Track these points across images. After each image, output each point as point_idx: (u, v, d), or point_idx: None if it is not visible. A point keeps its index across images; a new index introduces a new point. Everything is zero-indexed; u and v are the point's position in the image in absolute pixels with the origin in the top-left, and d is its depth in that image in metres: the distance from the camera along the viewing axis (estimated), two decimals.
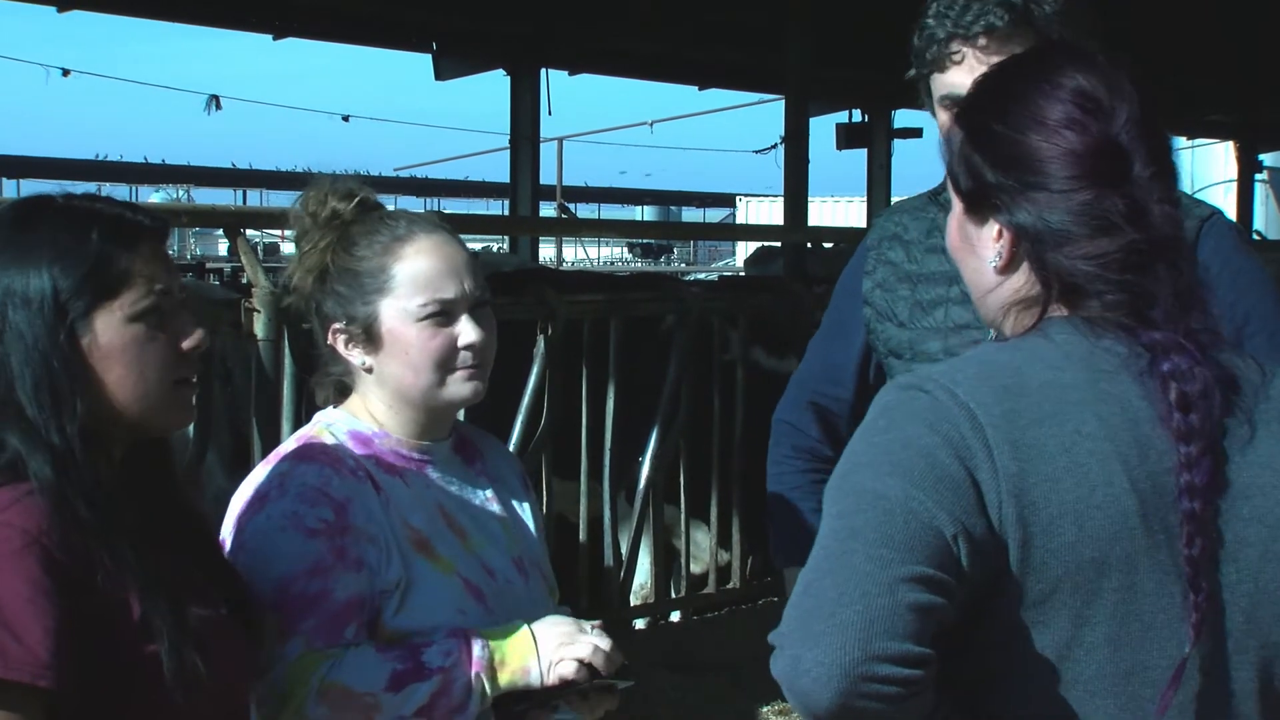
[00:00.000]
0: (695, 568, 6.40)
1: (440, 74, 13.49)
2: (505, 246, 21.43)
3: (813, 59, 10.31)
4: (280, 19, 12.71)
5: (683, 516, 6.05)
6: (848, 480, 1.69)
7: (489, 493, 2.47)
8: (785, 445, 2.84)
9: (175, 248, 35.83)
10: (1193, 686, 1.67)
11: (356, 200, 2.39)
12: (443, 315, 2.32)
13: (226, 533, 2.30)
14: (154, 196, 32.63)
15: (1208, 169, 22.57)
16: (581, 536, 5.65)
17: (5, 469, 1.87)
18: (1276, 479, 1.71)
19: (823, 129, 14.63)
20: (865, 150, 15.71)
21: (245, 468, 2.49)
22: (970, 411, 1.65)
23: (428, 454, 2.39)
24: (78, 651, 1.80)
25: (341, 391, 2.43)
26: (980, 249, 1.80)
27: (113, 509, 1.89)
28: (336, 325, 2.36)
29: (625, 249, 42.94)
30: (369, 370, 2.36)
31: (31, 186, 26.56)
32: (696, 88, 17.56)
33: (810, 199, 11.29)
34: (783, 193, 10.80)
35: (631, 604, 5.95)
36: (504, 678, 2.24)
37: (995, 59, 2.44)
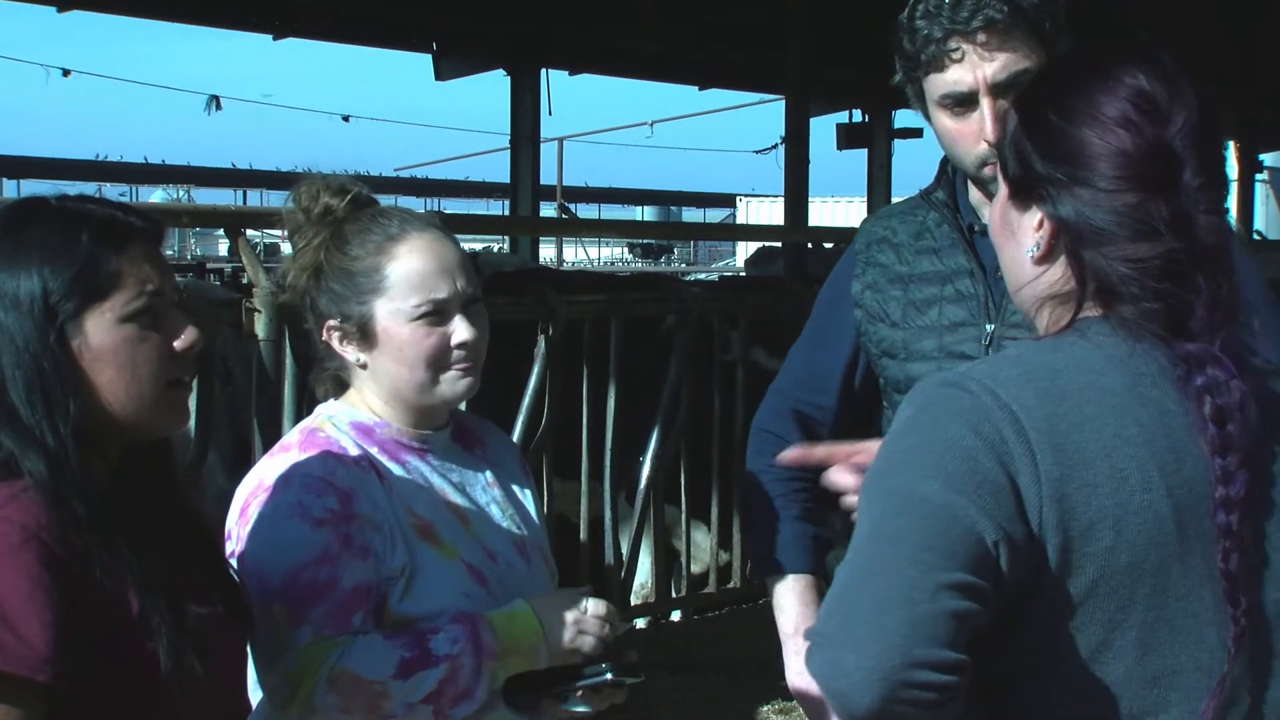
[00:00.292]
0: (695, 567, 6.41)
1: (440, 74, 13.50)
2: (505, 247, 21.44)
3: (813, 59, 10.32)
4: (280, 19, 12.71)
5: (683, 516, 6.05)
6: (887, 480, 1.67)
7: (489, 477, 2.50)
8: (766, 455, 2.78)
9: (176, 248, 35.87)
10: (1228, 701, 1.67)
11: (349, 197, 2.40)
12: (436, 314, 2.34)
13: (232, 524, 2.32)
14: (154, 196, 32.66)
15: None
16: (582, 536, 5.65)
17: (0, 467, 1.87)
18: None
19: (823, 129, 14.67)
20: (866, 150, 15.72)
21: (246, 468, 2.50)
22: (1013, 414, 1.64)
23: (427, 442, 2.42)
24: (76, 647, 1.80)
25: (339, 385, 2.46)
26: (1020, 236, 1.78)
27: (108, 508, 1.90)
28: (331, 322, 2.38)
29: (625, 249, 42.94)
30: (364, 367, 2.39)
31: (32, 187, 26.58)
32: (697, 88, 17.57)
33: (810, 199, 11.29)
34: (783, 193, 10.81)
35: (632, 604, 5.95)
36: (511, 664, 2.29)
37: (996, 54, 2.43)
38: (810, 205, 11.52)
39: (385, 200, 2.65)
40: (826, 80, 12.72)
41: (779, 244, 11.23)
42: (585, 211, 36.06)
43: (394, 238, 2.35)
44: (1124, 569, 1.63)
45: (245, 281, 5.00)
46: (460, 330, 2.35)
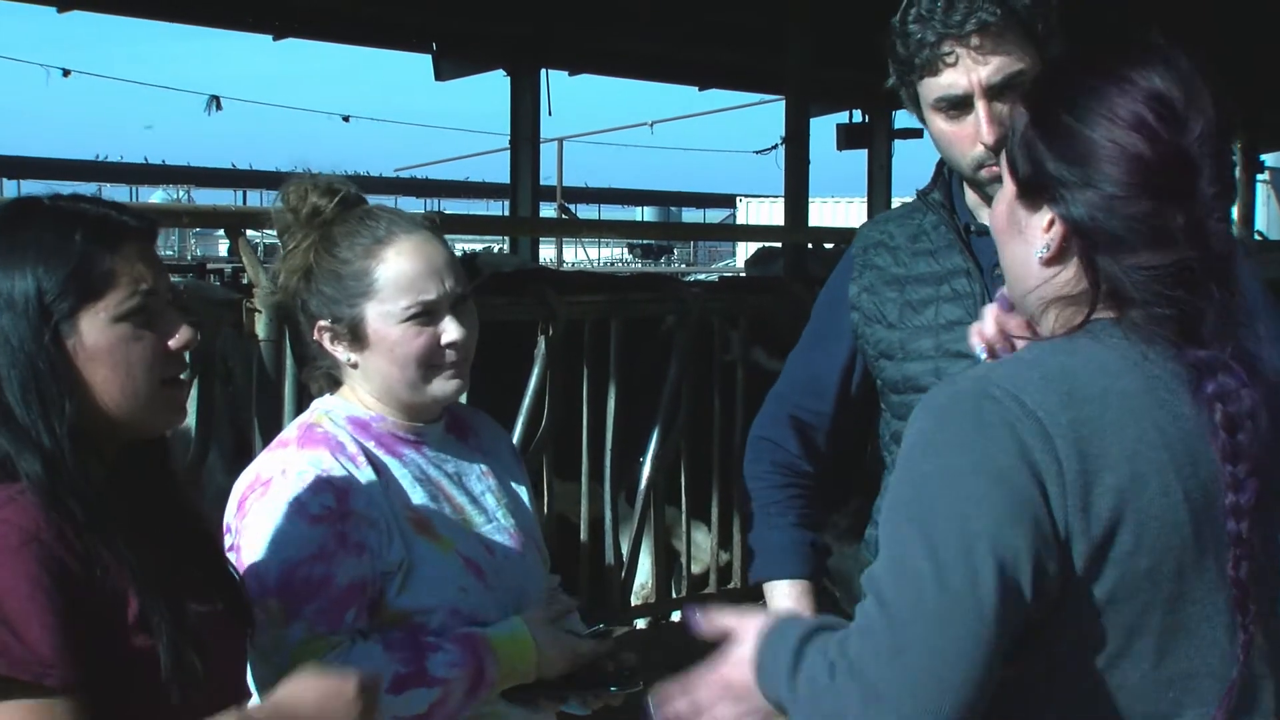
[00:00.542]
0: (696, 568, 6.41)
1: (440, 74, 13.50)
2: (505, 247, 21.45)
3: (813, 59, 10.31)
4: (280, 19, 12.71)
5: (683, 517, 6.05)
6: (925, 505, 1.62)
7: (484, 468, 2.53)
8: (764, 461, 2.79)
9: (176, 248, 35.87)
10: (1238, 707, 1.67)
11: (338, 198, 2.42)
12: (425, 315, 2.37)
13: (230, 519, 2.34)
14: (154, 197, 32.66)
15: None
16: (582, 537, 5.65)
17: None
18: None
19: (823, 129, 14.66)
20: (866, 151, 15.71)
21: (246, 468, 2.51)
22: (1039, 421, 1.61)
23: (422, 435, 2.46)
24: (78, 647, 1.81)
25: (333, 383, 2.49)
26: (1029, 235, 1.75)
27: (105, 508, 1.90)
28: (323, 323, 2.42)
29: (625, 250, 42.94)
30: (355, 366, 2.42)
31: (32, 187, 26.55)
32: (697, 88, 17.56)
33: (811, 199, 11.29)
34: (783, 193, 10.80)
35: (632, 604, 5.95)
36: (503, 686, 2.35)
37: (990, 57, 2.43)
38: (810, 206, 11.52)
39: (386, 201, 2.66)
40: (826, 80, 12.71)
41: (779, 244, 11.22)
42: (585, 212, 36.10)
43: (381, 240, 2.38)
44: (1143, 574, 1.62)
45: (245, 282, 5.00)
46: (450, 330, 2.38)
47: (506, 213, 18.32)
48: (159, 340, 1.98)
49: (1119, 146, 1.67)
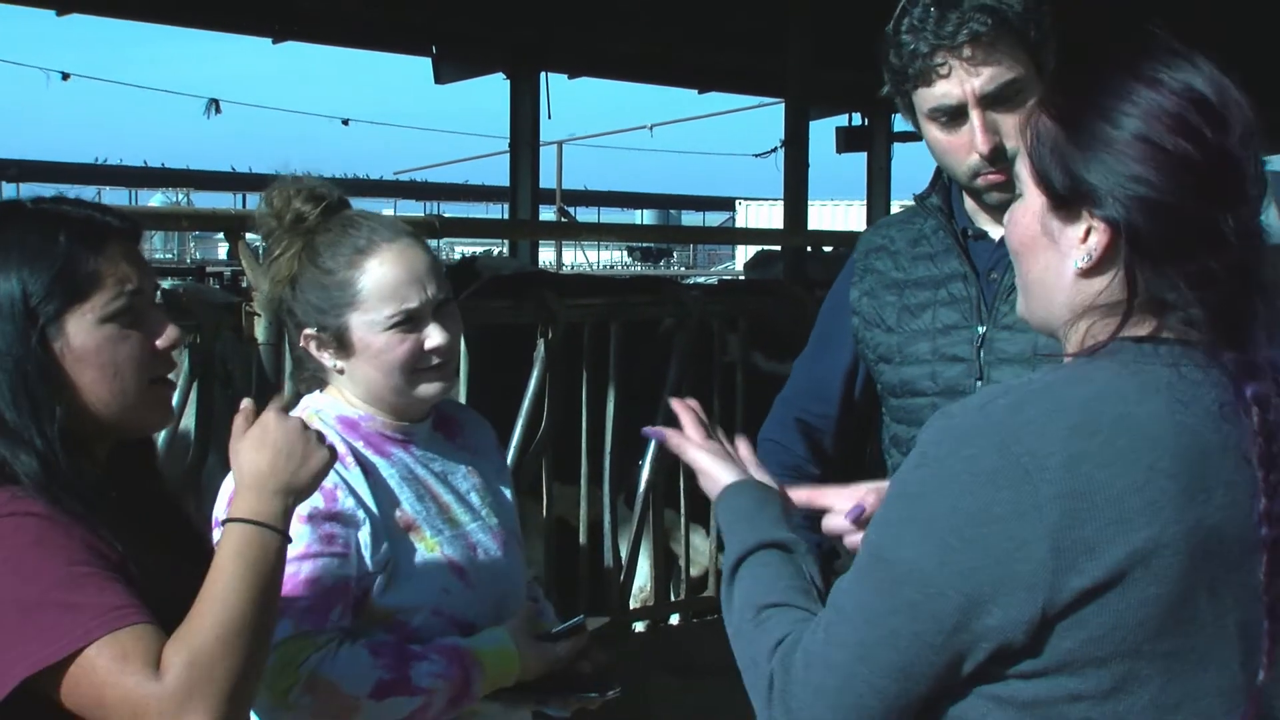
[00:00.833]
0: (694, 571, 6.41)
1: (440, 77, 13.50)
2: (505, 250, 21.44)
3: (812, 62, 10.32)
4: (280, 22, 12.71)
5: (682, 520, 6.05)
6: (892, 541, 1.66)
7: (469, 467, 2.57)
8: (772, 464, 2.80)
9: (175, 251, 35.87)
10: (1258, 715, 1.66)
11: (322, 206, 2.46)
12: (409, 322, 2.41)
13: (220, 514, 2.35)
14: (154, 200, 32.68)
15: None
16: (581, 540, 5.65)
17: None
18: None
19: (823, 132, 14.67)
20: (865, 154, 15.72)
21: None
22: (1025, 470, 1.58)
23: (410, 434, 2.50)
24: (134, 590, 1.83)
25: (321, 385, 2.53)
26: (1064, 247, 1.69)
27: (101, 505, 1.90)
28: (309, 331, 2.46)
29: (625, 253, 42.97)
30: (341, 372, 2.46)
31: (31, 190, 26.57)
32: (696, 91, 17.56)
33: (810, 202, 11.30)
34: (782, 196, 10.81)
35: (631, 607, 5.95)
36: (486, 693, 2.41)
37: (982, 67, 2.44)
38: (810, 208, 11.52)
39: (386, 204, 2.67)
40: (826, 83, 12.71)
41: (778, 247, 11.22)
42: (585, 215, 36.13)
43: (363, 250, 2.41)
44: (1151, 599, 1.59)
45: (245, 285, 5.00)
46: (434, 335, 2.42)
47: (506, 216, 18.34)
48: (146, 340, 1.99)
49: (1164, 150, 1.62)
